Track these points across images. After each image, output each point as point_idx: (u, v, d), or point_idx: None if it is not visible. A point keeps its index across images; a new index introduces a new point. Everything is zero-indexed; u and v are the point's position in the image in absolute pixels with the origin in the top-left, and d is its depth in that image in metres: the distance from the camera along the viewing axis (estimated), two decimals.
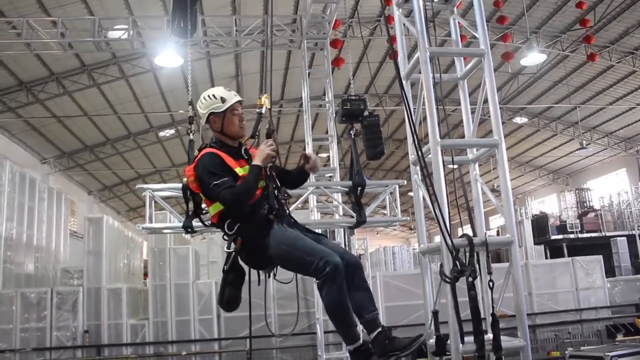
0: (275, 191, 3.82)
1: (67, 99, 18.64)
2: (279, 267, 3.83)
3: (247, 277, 3.89)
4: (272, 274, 3.90)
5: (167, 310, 13.36)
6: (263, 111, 3.94)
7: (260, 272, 3.90)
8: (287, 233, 3.64)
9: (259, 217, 3.65)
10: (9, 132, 19.86)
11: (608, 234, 23.60)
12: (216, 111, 3.82)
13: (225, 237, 3.78)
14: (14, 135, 20.19)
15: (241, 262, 3.81)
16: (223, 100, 3.83)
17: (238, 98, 3.87)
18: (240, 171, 3.69)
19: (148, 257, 14.61)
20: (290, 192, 4.28)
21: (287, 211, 3.90)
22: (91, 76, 17.74)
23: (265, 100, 3.95)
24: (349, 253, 3.79)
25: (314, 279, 3.52)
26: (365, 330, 3.59)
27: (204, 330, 13.39)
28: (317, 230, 4.17)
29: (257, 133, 4.00)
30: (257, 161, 3.64)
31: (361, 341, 3.46)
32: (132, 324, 13.44)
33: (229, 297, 3.80)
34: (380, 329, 3.47)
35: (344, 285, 3.40)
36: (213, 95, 3.85)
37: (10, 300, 12.84)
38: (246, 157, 3.83)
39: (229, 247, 3.77)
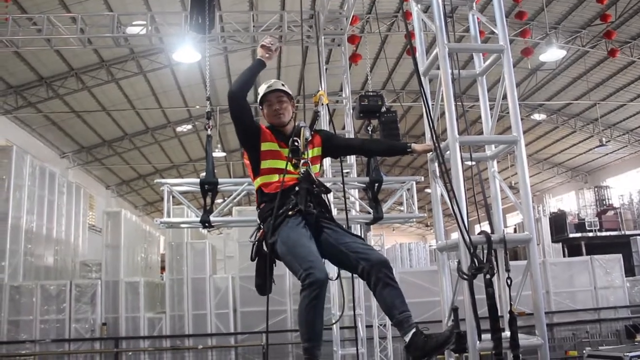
0: (313, 185, 3.83)
1: (86, 94, 18.86)
2: None
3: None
4: None
5: (184, 304, 13.47)
6: (320, 109, 3.96)
7: None
8: (292, 234, 3.62)
9: (280, 212, 3.68)
10: (30, 126, 20.15)
11: (628, 232, 23.25)
12: (258, 106, 4.08)
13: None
14: (34, 129, 20.48)
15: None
16: (259, 94, 4.05)
17: (269, 89, 4.01)
18: (272, 146, 3.85)
19: (165, 251, 14.73)
20: None
21: (323, 209, 3.87)
22: (110, 71, 17.92)
23: (321, 97, 3.99)
24: (375, 252, 3.72)
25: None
26: (399, 332, 3.49)
27: (220, 324, 13.48)
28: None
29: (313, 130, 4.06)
30: (259, 55, 3.97)
31: None
32: (150, 317, 13.57)
33: (258, 283, 3.89)
34: (414, 330, 3.38)
35: (318, 302, 3.33)
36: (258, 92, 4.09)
37: (30, 292, 13.02)
38: (291, 148, 3.85)
39: (254, 237, 3.89)
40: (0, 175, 13.48)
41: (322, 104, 4.08)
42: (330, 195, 9.99)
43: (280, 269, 3.87)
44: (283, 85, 4.05)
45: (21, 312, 12.92)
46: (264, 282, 3.85)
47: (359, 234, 10.88)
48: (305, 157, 3.87)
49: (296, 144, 3.86)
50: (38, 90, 17.86)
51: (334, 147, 4.20)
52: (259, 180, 3.89)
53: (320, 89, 4.15)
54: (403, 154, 4.32)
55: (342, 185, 8.73)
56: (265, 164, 3.84)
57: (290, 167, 3.80)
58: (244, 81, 3.91)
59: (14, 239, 13.46)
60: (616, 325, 14.75)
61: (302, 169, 3.82)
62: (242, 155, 4.04)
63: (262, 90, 4.03)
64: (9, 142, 17.64)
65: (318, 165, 4.07)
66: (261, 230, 3.84)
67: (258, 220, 3.91)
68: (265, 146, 3.85)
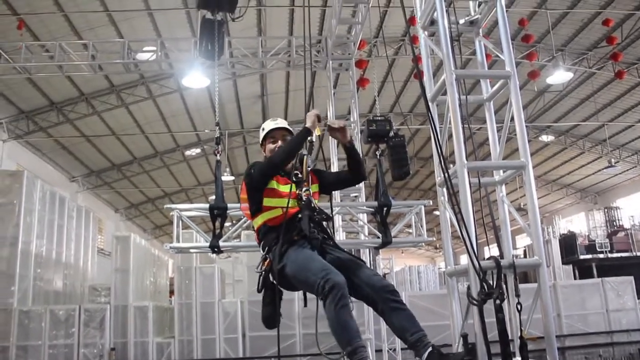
0: (314, 213, 3.85)
1: (96, 119, 19.06)
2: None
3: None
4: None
5: (192, 328, 13.41)
6: (314, 139, 3.99)
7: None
8: (301, 253, 3.65)
9: (286, 238, 3.70)
10: (40, 151, 20.35)
11: (639, 253, 23.07)
12: (260, 140, 4.14)
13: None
14: (44, 154, 20.67)
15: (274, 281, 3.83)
16: (263, 130, 4.09)
17: (275, 126, 4.05)
18: (276, 184, 3.84)
19: (174, 276, 14.72)
20: None
21: (326, 235, 3.89)
22: (119, 96, 18.13)
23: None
24: (379, 278, 3.70)
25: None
26: (414, 354, 3.39)
27: (229, 349, 13.39)
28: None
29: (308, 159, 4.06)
30: (308, 124, 3.81)
31: None
32: (158, 342, 13.51)
33: (266, 315, 3.85)
34: (430, 349, 3.29)
35: (345, 302, 3.29)
36: (261, 127, 4.14)
37: (39, 317, 13.01)
38: (295, 180, 3.87)
39: (260, 268, 3.87)
40: (11, 200, 13.56)
41: (317, 135, 4.06)
42: (339, 218, 10.05)
43: (289, 294, 3.86)
44: (288, 125, 4.14)
45: (30, 337, 12.88)
46: (272, 314, 3.82)
47: (364, 259, 10.87)
48: (308, 185, 3.91)
49: (299, 175, 3.91)
50: (49, 115, 18.09)
51: (327, 182, 4.18)
52: (263, 217, 3.88)
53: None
54: (350, 152, 3.98)
55: (349, 210, 8.78)
56: (267, 202, 3.84)
57: (292, 203, 3.79)
58: (291, 154, 3.85)
59: (24, 263, 13.48)
60: (629, 348, 14.55)
61: (304, 197, 3.85)
62: (240, 189, 4.02)
63: (268, 126, 4.09)
64: (19, 166, 17.80)
65: (317, 201, 4.07)
66: (267, 260, 3.82)
67: (262, 251, 3.88)
68: (276, 185, 3.86)
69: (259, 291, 3.86)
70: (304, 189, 3.87)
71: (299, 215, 3.80)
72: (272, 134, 4.05)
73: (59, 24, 13.99)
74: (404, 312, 3.48)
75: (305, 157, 3.95)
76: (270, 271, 3.80)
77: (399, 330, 3.46)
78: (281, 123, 4.08)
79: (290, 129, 4.10)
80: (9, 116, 17.81)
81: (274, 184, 3.84)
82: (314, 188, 4.05)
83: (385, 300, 3.49)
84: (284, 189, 3.82)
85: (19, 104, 17.44)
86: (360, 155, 4.18)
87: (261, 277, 3.85)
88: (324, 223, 3.95)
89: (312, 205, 3.88)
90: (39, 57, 13.77)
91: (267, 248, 3.82)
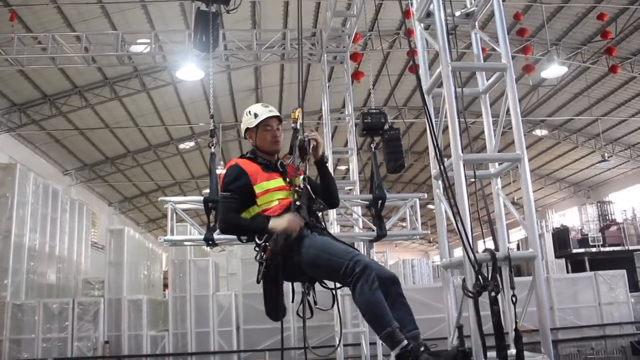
0: (309, 202, 3.76)
1: (90, 112, 18.97)
2: (315, 283, 3.77)
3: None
4: (311, 290, 3.78)
5: (186, 321, 13.39)
6: (298, 126, 3.94)
7: (297, 285, 3.85)
8: (315, 238, 3.57)
9: None
10: (33, 144, 20.25)
11: (631, 247, 23.19)
12: (250, 126, 3.92)
13: (256, 247, 3.72)
14: (37, 147, 20.57)
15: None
16: (256, 115, 3.90)
17: (271, 114, 3.90)
18: (266, 185, 3.73)
19: (168, 269, 14.69)
20: None
21: (322, 224, 3.83)
22: (113, 89, 18.03)
23: (298, 115, 3.96)
24: (383, 267, 3.65)
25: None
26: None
27: (223, 342, 13.39)
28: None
29: (294, 147, 3.92)
30: (272, 223, 3.59)
31: (406, 342, 3.21)
32: (152, 335, 13.49)
33: (270, 308, 3.75)
34: (422, 348, 3.26)
35: (377, 284, 3.25)
36: (249, 112, 3.95)
37: (32, 310, 12.96)
38: (281, 171, 3.82)
39: (260, 258, 3.68)
40: (3, 193, 13.48)
41: (300, 122, 3.99)
42: (334, 211, 10.04)
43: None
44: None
45: (23, 331, 12.84)
46: (277, 306, 3.73)
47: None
48: (304, 173, 3.80)
49: (298, 160, 3.79)
50: (42, 107, 17.97)
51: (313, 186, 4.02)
52: (256, 209, 3.76)
53: (298, 106, 4.06)
54: (321, 171, 3.96)
55: (344, 202, 8.77)
56: (261, 200, 3.74)
57: (288, 194, 3.72)
58: (241, 234, 3.87)
59: (17, 257, 13.43)
60: (621, 341, 14.64)
61: (301, 186, 3.74)
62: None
63: (262, 112, 3.91)
64: (12, 159, 17.70)
65: None
66: (269, 250, 3.61)
67: (257, 240, 3.70)
68: (257, 188, 3.75)
69: (258, 282, 3.72)
70: (301, 177, 3.77)
71: (297, 203, 3.69)
72: (268, 122, 3.88)
73: (51, 16, 13.88)
74: (406, 308, 3.46)
75: (307, 141, 3.78)
76: (272, 260, 3.61)
77: (398, 324, 3.41)
78: (274, 110, 3.95)
79: (281, 117, 4.01)
80: (1, 109, 17.68)
81: (262, 186, 3.73)
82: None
83: (391, 292, 3.43)
84: (275, 184, 3.75)
85: (12, 97, 17.31)
86: (334, 179, 4.07)
87: (262, 267, 3.67)
88: (318, 213, 3.86)
89: (310, 193, 3.79)
90: (31, 49, 13.67)
91: (266, 236, 3.62)
